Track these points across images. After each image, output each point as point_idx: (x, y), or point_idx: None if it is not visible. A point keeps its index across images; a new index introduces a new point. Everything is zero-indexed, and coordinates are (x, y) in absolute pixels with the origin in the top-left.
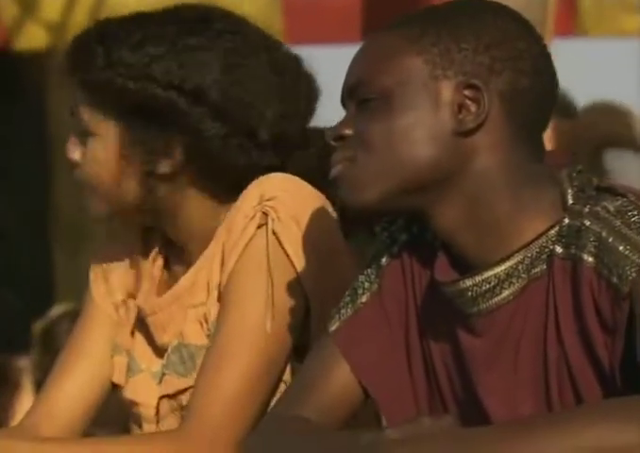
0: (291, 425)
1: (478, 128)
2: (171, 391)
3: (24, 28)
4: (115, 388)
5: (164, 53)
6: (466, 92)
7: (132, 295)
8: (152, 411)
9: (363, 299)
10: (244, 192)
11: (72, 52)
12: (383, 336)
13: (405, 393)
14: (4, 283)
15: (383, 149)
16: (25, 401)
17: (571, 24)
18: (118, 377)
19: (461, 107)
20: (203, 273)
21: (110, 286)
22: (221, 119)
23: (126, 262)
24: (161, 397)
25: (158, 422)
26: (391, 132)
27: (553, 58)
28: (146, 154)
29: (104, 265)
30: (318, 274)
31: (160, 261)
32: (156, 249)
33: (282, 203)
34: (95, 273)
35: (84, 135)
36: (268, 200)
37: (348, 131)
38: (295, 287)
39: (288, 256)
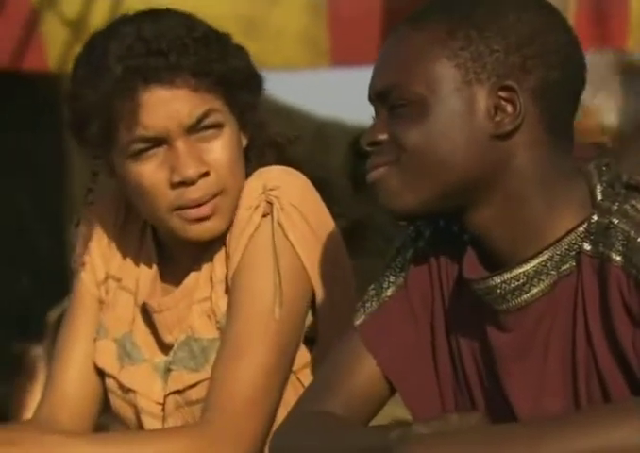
0: (318, 420)
1: (515, 130)
2: (180, 386)
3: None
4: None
5: None
6: (501, 94)
7: (111, 276)
8: (157, 407)
9: (389, 293)
10: (245, 183)
11: None
12: (409, 330)
13: (431, 387)
14: (22, 271)
15: (424, 154)
16: (40, 389)
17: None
18: (104, 362)
19: (497, 109)
20: (205, 268)
21: (93, 264)
22: None
23: (106, 240)
24: (168, 394)
25: (164, 418)
26: (429, 137)
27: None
28: None
29: (88, 242)
30: (321, 261)
31: (149, 253)
32: (136, 235)
33: (285, 193)
34: (80, 248)
35: None
36: (271, 190)
37: (382, 136)
38: (301, 275)
39: (292, 245)
